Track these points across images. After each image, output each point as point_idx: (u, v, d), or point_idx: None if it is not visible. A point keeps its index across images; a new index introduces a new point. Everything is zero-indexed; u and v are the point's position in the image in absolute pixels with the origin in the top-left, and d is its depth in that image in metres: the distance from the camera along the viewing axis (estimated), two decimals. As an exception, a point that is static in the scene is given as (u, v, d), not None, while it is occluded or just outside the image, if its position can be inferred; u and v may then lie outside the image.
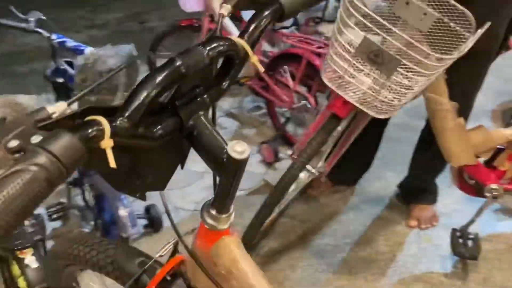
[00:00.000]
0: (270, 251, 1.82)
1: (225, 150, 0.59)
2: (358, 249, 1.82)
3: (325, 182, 2.04)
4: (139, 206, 1.89)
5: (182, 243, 0.78)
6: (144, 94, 0.51)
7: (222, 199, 0.65)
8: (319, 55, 2.36)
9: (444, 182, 1.97)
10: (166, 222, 1.91)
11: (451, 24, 1.26)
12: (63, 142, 0.43)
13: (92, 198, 1.78)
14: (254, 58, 0.64)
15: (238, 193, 2.18)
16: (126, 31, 4.60)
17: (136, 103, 0.51)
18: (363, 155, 1.98)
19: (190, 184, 2.19)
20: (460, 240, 1.66)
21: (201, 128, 0.60)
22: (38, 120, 0.48)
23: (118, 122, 0.49)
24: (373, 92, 1.30)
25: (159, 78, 0.52)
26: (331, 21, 2.62)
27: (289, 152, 1.68)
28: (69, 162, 0.43)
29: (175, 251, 0.87)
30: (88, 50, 1.68)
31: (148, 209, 1.93)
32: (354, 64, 1.30)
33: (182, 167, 0.70)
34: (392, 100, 1.30)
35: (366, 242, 1.85)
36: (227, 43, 0.59)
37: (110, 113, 0.51)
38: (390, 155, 2.32)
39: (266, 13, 0.65)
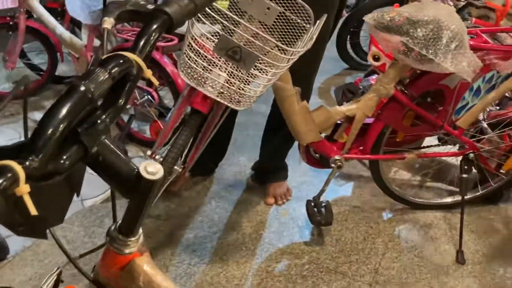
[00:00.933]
0: (140, 255, 1.77)
1: (135, 172, 0.57)
2: (226, 235, 1.88)
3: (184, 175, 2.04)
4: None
5: (82, 273, 0.72)
6: (52, 128, 0.46)
7: (131, 222, 0.62)
8: (156, 48, 2.33)
9: (291, 158, 2.15)
10: (13, 247, 1.72)
11: (293, 17, 1.37)
12: (-22, 200, 0.37)
13: None
14: (149, 73, 0.62)
15: (89, 202, 2.06)
16: None
17: (45, 139, 0.45)
18: (218, 143, 2.03)
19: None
20: (315, 210, 1.84)
21: (107, 152, 0.56)
22: None
23: (28, 163, 0.44)
24: (230, 85, 1.34)
25: (66, 108, 0.47)
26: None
27: (148, 152, 1.64)
28: None
29: (58, 282, 0.80)
30: None
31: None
32: (209, 58, 1.33)
33: (78, 195, 0.64)
34: (249, 92, 1.36)
35: (232, 228, 1.92)
36: (125, 60, 0.56)
37: (12, 153, 0.45)
38: (240, 140, 2.42)
39: (155, 26, 0.62)
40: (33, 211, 0.41)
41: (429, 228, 2.01)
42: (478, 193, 2.12)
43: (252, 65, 1.27)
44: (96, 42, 2.57)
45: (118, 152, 0.57)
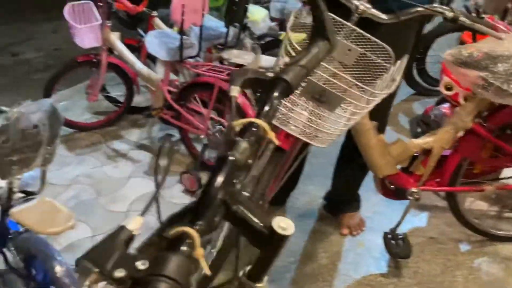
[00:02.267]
0: None
1: (269, 227, 0.64)
2: (303, 266, 1.92)
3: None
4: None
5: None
6: (213, 195, 0.53)
7: (260, 271, 0.69)
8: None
9: (363, 188, 2.16)
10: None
11: (373, 58, 1.41)
12: (175, 264, 0.45)
13: (20, 261, 1.64)
14: (272, 135, 0.68)
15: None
16: (-3, 65, 4.20)
17: (210, 206, 0.53)
18: (291, 175, 2.07)
19: (117, 190, 2.42)
20: (393, 242, 1.84)
21: (245, 209, 0.63)
22: (126, 242, 0.47)
23: (198, 227, 0.51)
24: (312, 124, 1.40)
25: (221, 178, 0.55)
26: (232, 47, 2.71)
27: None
28: (185, 281, 0.45)
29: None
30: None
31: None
32: (291, 98, 1.39)
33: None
34: (329, 130, 1.41)
35: (308, 258, 1.96)
36: (257, 128, 0.63)
37: (181, 218, 0.53)
38: (310, 169, 2.46)
39: (277, 93, 0.69)
40: (207, 271, 0.48)
41: (511, 261, 1.96)
42: (562, 225, 2.05)
43: (336, 107, 1.32)
44: (172, 76, 2.73)
45: (253, 207, 0.64)
